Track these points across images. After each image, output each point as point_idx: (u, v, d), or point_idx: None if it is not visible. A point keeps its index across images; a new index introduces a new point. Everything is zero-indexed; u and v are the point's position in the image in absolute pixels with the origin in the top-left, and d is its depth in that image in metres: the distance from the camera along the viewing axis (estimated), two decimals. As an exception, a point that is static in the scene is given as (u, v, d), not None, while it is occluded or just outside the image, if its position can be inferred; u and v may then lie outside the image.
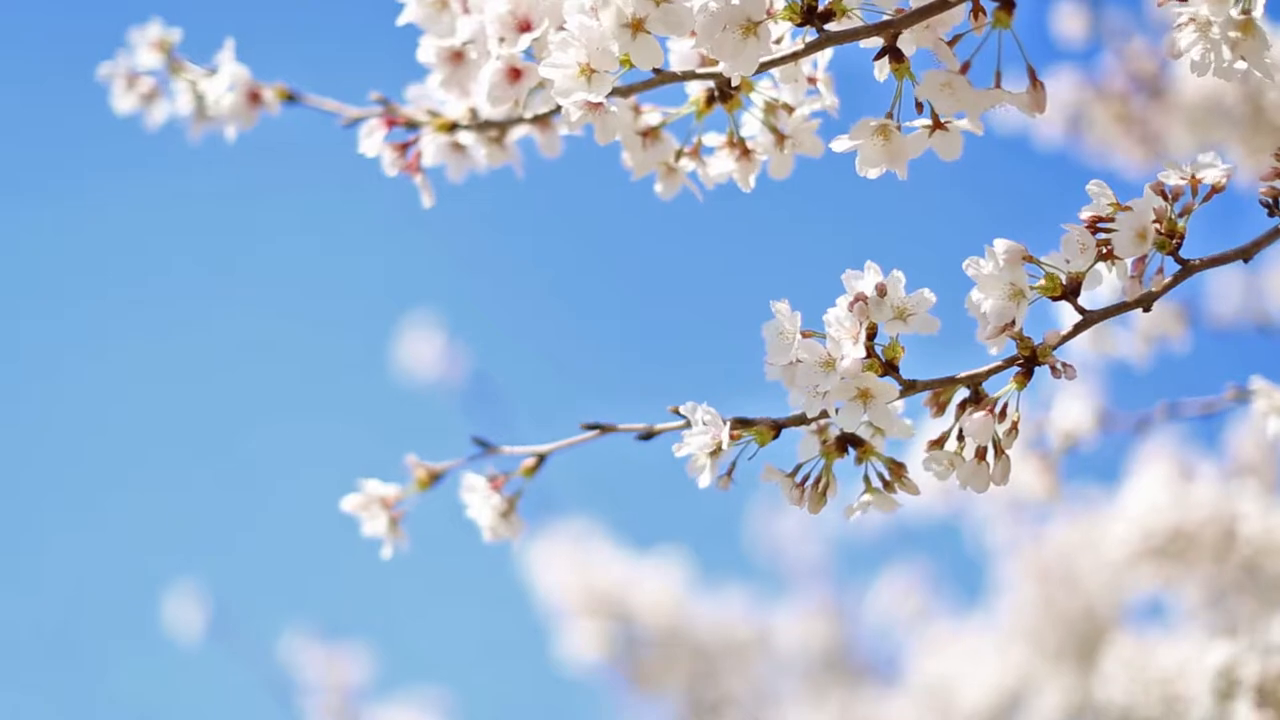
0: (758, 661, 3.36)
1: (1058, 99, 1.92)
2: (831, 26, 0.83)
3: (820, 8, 0.82)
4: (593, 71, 0.80)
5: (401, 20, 0.96)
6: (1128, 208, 0.79)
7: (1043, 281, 0.80)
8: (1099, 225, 0.79)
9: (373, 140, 0.98)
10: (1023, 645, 2.70)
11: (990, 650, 2.77)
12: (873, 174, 0.84)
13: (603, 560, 3.21)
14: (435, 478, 0.95)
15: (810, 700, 3.39)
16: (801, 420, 0.81)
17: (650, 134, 0.94)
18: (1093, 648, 2.57)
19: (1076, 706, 2.57)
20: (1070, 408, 1.57)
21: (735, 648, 3.29)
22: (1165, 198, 0.81)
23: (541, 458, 0.92)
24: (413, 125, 0.98)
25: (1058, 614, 2.66)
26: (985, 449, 0.80)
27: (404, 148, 0.98)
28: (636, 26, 0.80)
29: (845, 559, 3.55)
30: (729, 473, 0.81)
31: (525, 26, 0.87)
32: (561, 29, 0.81)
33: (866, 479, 0.83)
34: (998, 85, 0.83)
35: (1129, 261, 0.80)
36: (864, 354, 0.78)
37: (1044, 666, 2.66)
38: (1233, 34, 0.78)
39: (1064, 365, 0.80)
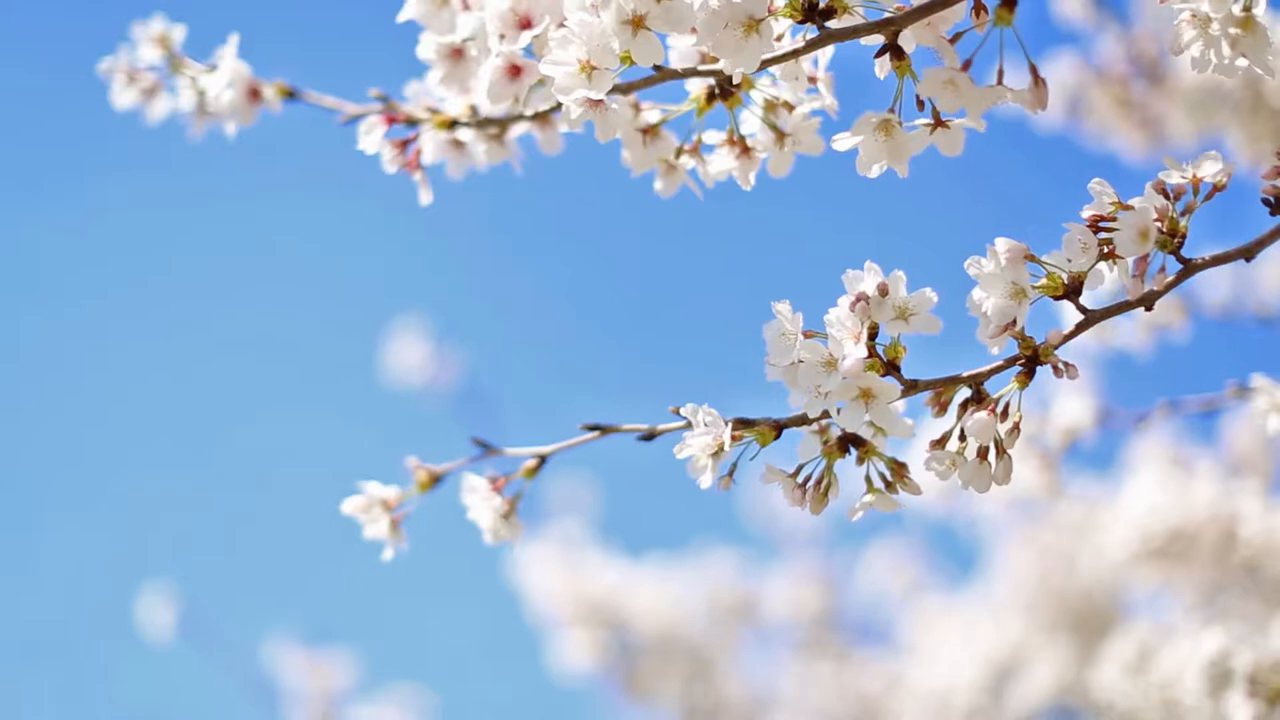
0: (747, 630, 3.36)
1: (1058, 82, 1.92)
2: (832, 24, 0.83)
3: (821, 5, 0.82)
4: (593, 68, 0.80)
5: (402, 17, 0.96)
6: (1129, 207, 0.79)
7: (1044, 281, 0.80)
8: (1101, 224, 0.79)
9: (372, 137, 0.98)
10: (1017, 619, 2.71)
11: (985, 623, 2.78)
12: (874, 172, 0.84)
13: (595, 567, 3.21)
14: (436, 480, 0.94)
15: (800, 670, 3.39)
16: (803, 420, 0.81)
17: (650, 131, 0.94)
18: (1088, 624, 2.58)
19: (1070, 682, 2.58)
20: (1069, 405, 1.57)
21: (724, 615, 3.29)
22: (1167, 196, 0.81)
23: (543, 459, 0.92)
24: (412, 122, 0.98)
25: (1053, 589, 2.67)
26: (987, 449, 0.80)
27: (403, 145, 0.98)
28: (637, 23, 0.80)
29: (838, 528, 3.55)
30: (730, 473, 0.81)
31: (526, 23, 0.87)
32: (562, 26, 0.81)
33: (868, 479, 0.83)
34: (999, 82, 0.83)
35: (1131, 260, 0.80)
36: (865, 354, 0.78)
37: (1038, 641, 2.67)
38: (1233, 31, 0.78)
39: (1066, 365, 0.80)
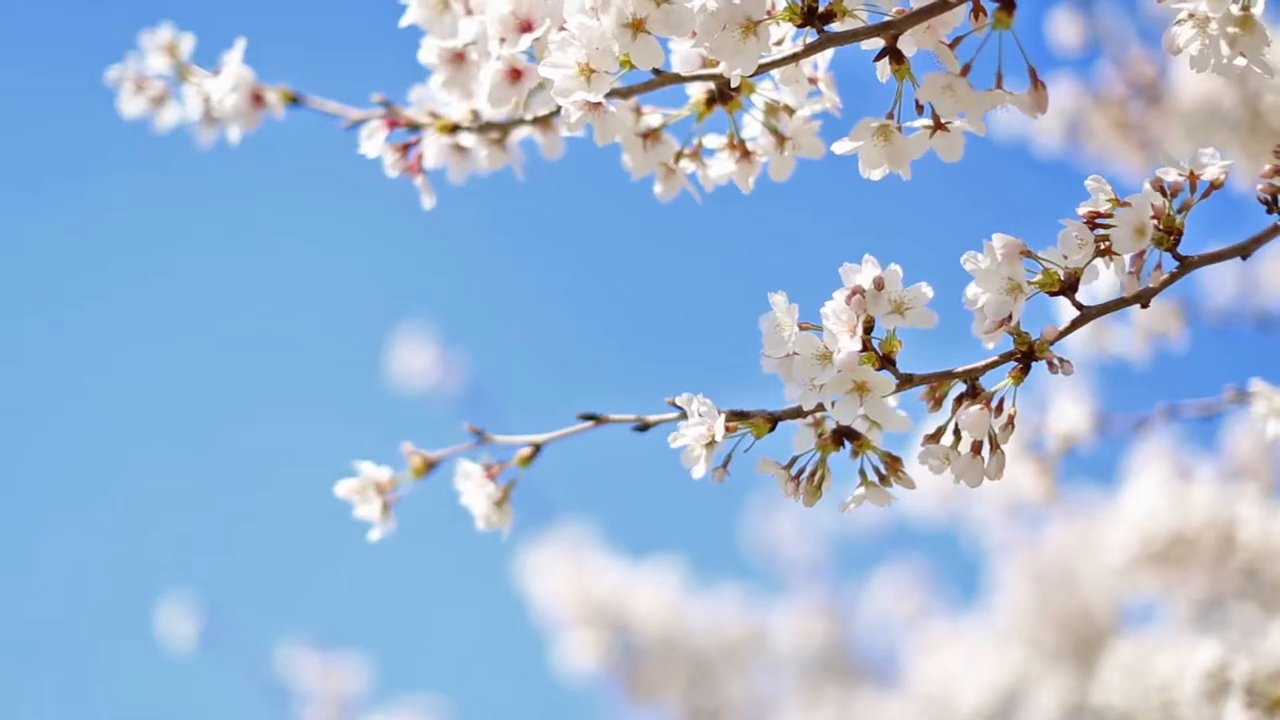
0: (754, 662, 3.36)
1: (1056, 106, 1.93)
2: (832, 27, 0.83)
3: (821, 9, 0.82)
4: (592, 71, 0.81)
5: (404, 22, 0.96)
6: (1126, 203, 0.79)
7: (1040, 277, 0.80)
8: (1097, 221, 0.80)
9: (374, 141, 0.98)
10: (1020, 645, 2.70)
11: (988, 650, 2.77)
12: (875, 175, 0.84)
13: (599, 568, 3.21)
14: (430, 465, 0.95)
15: (807, 701, 3.39)
16: (797, 413, 0.81)
17: (650, 135, 0.94)
18: (1090, 647, 2.57)
19: (1073, 706, 2.58)
20: (1067, 410, 1.57)
21: (732, 648, 3.29)
22: (1164, 194, 0.81)
23: (537, 447, 0.92)
24: (414, 127, 0.98)
25: (1054, 613, 2.67)
26: (981, 444, 0.80)
27: (405, 149, 0.98)
28: (637, 27, 0.80)
29: (841, 558, 3.55)
30: (724, 465, 0.81)
31: (527, 27, 0.87)
32: (563, 29, 0.82)
33: (862, 472, 0.83)
34: (999, 86, 0.83)
35: (1127, 257, 0.80)
36: (861, 347, 0.78)
37: (1041, 666, 2.67)
38: (1231, 30, 0.78)
39: (1061, 360, 0.80)
